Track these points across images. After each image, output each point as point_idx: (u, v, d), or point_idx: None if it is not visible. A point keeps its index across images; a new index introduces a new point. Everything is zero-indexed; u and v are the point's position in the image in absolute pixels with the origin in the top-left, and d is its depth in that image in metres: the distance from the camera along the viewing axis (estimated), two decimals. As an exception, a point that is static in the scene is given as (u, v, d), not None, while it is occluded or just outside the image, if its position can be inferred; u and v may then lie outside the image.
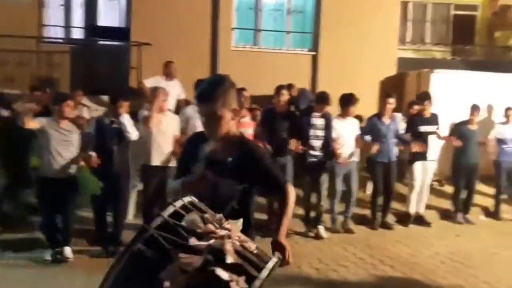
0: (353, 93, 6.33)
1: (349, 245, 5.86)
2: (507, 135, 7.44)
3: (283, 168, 5.82)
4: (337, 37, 9.12)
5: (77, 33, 9.53)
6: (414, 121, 6.93)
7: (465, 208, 7.26)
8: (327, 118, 6.21)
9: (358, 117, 6.92)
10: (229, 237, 1.79)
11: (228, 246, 1.75)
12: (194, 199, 1.94)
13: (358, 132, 6.53)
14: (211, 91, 2.18)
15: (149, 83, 6.83)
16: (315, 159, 6.15)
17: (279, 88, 6.27)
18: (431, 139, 6.89)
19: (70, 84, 8.17)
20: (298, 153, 6.19)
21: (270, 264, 1.82)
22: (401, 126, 7.09)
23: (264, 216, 6.05)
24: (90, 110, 7.03)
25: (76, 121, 5.26)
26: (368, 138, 6.51)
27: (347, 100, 6.29)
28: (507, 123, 7.51)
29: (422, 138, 6.74)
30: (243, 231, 1.93)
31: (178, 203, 1.86)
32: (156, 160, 5.43)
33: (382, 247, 5.86)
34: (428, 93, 7.21)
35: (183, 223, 1.78)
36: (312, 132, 6.13)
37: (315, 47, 9.50)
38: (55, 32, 9.32)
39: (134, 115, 5.48)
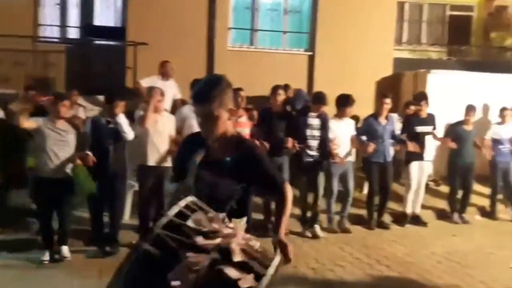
0: (350, 94, 6.34)
1: (345, 245, 5.86)
2: (503, 135, 7.46)
3: (280, 168, 5.83)
4: (334, 37, 9.13)
5: (73, 33, 9.50)
6: (411, 121, 6.95)
7: (461, 208, 7.28)
8: (324, 118, 6.22)
9: (355, 118, 6.93)
10: (234, 235, 1.80)
11: (234, 245, 1.76)
12: (196, 199, 1.94)
13: (354, 132, 6.55)
14: (207, 92, 2.18)
15: (145, 83, 6.80)
16: (311, 159, 6.15)
17: (275, 88, 6.27)
18: (428, 139, 6.92)
19: (66, 84, 8.14)
20: (294, 153, 6.20)
21: (275, 262, 1.84)
22: (397, 126, 7.10)
23: (260, 216, 6.05)
24: (86, 110, 7.01)
25: (72, 121, 5.24)
26: (364, 138, 6.52)
27: (344, 101, 6.30)
28: (502, 123, 7.54)
29: (419, 138, 6.75)
30: None
31: (182, 203, 1.86)
32: (152, 160, 5.42)
33: (379, 247, 5.86)
34: (424, 94, 7.22)
35: (189, 222, 1.78)
36: (308, 132, 6.13)
37: (311, 47, 9.50)
38: (51, 32, 9.27)
39: (130, 115, 5.46)
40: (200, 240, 1.74)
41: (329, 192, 6.40)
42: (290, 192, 2.34)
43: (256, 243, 1.88)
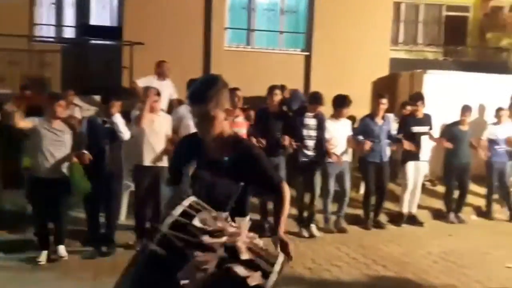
0: (347, 95, 6.34)
1: (342, 245, 5.86)
2: (499, 135, 7.48)
3: (276, 168, 5.83)
4: (330, 38, 9.14)
5: (69, 32, 9.47)
6: (407, 121, 6.96)
7: (457, 208, 7.30)
8: (320, 118, 6.22)
9: (351, 118, 6.94)
10: (239, 234, 1.81)
11: (240, 243, 1.78)
12: (197, 199, 1.95)
13: (351, 133, 6.55)
14: (203, 92, 2.17)
15: (141, 82, 6.78)
16: (308, 159, 6.15)
17: (272, 88, 6.28)
18: (424, 139, 6.93)
19: (62, 84, 8.11)
20: (291, 153, 6.20)
21: (280, 259, 1.87)
22: (394, 126, 7.12)
23: (257, 216, 6.04)
24: (82, 110, 6.98)
25: (68, 121, 5.22)
26: (361, 137, 6.52)
27: (341, 102, 6.30)
28: (498, 124, 7.56)
29: (415, 138, 6.76)
30: None
31: (186, 203, 1.87)
32: (148, 160, 5.40)
33: (375, 246, 5.87)
34: (421, 94, 7.24)
35: (195, 221, 1.79)
36: (305, 132, 6.13)
37: (308, 47, 9.51)
38: (47, 31, 9.24)
39: (126, 115, 5.44)
40: (206, 239, 1.74)
41: (326, 192, 6.40)
42: (287, 191, 2.36)
43: (259, 241, 1.90)
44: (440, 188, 7.82)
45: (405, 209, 6.95)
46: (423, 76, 8.59)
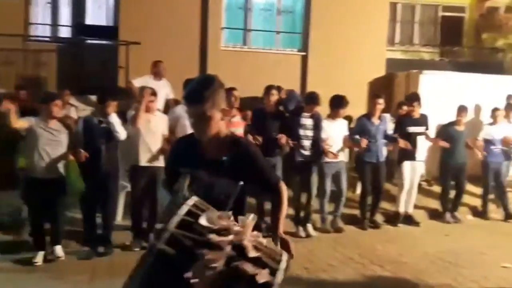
0: (344, 95, 6.35)
1: (338, 245, 5.87)
2: (494, 135, 7.51)
3: (273, 168, 5.82)
4: (327, 38, 9.14)
5: (65, 32, 9.43)
6: (403, 121, 6.98)
7: (453, 207, 7.32)
8: (317, 118, 6.23)
9: (348, 118, 6.94)
10: (244, 233, 1.83)
11: (247, 241, 1.80)
12: (199, 199, 1.95)
13: (347, 133, 6.56)
14: (199, 92, 2.16)
15: (137, 82, 6.76)
16: (304, 159, 6.15)
17: (268, 88, 6.27)
18: (420, 139, 6.94)
19: (57, 83, 8.07)
20: (287, 153, 6.20)
21: (284, 257, 1.90)
22: (390, 126, 7.13)
23: (253, 216, 6.03)
24: (78, 110, 6.95)
25: (64, 120, 5.19)
26: (357, 137, 6.53)
27: (338, 102, 6.31)
28: (494, 124, 7.58)
29: (411, 138, 6.77)
30: None
31: (190, 202, 1.88)
32: (145, 160, 5.38)
33: (372, 246, 5.87)
34: (417, 94, 7.26)
35: (202, 220, 1.80)
36: (302, 132, 6.13)
37: (304, 47, 9.50)
38: (42, 31, 9.20)
39: (123, 115, 5.42)
40: (214, 237, 1.76)
41: (322, 192, 6.41)
42: (285, 191, 2.38)
43: (263, 240, 1.92)
44: (437, 188, 7.84)
45: (401, 209, 6.97)
46: (419, 77, 8.61)
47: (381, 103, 6.62)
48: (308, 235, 6.16)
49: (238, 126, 5.90)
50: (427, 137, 7.11)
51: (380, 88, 8.62)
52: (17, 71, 8.04)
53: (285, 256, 1.92)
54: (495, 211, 7.62)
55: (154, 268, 1.74)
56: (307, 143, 6.16)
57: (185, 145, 2.38)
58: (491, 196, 7.67)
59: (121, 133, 5.19)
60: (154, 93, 5.52)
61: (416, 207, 7.25)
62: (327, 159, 6.26)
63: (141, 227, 5.51)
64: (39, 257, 4.92)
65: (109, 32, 8.95)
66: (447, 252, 5.70)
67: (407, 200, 7.01)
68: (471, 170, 7.51)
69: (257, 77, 7.80)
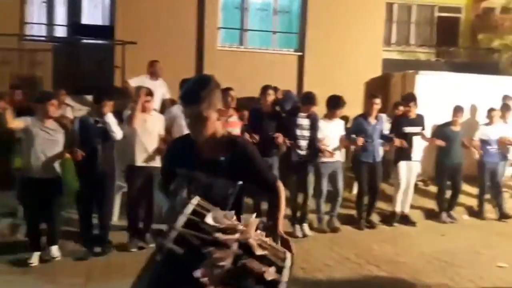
0: (341, 96, 6.35)
1: (335, 245, 5.87)
2: (490, 136, 7.53)
3: (270, 168, 5.81)
4: (323, 38, 9.15)
5: (60, 31, 9.39)
6: (399, 122, 6.98)
7: (449, 207, 7.34)
8: (313, 118, 6.23)
9: (344, 118, 6.95)
10: (248, 231, 1.85)
11: (252, 240, 1.82)
12: (201, 199, 1.96)
13: (344, 132, 6.56)
14: (196, 93, 2.15)
15: (133, 82, 6.74)
16: (300, 159, 6.15)
17: (265, 88, 6.27)
18: (416, 139, 6.95)
19: (53, 83, 8.03)
20: (284, 153, 6.19)
21: (288, 255, 1.93)
22: (386, 126, 7.14)
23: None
24: (74, 109, 6.93)
25: (60, 120, 5.17)
26: (353, 136, 6.53)
27: (335, 103, 6.31)
28: (490, 124, 7.60)
29: (407, 139, 6.78)
30: None
31: (194, 201, 1.89)
32: (141, 160, 5.37)
33: (368, 246, 5.88)
34: (413, 94, 7.27)
35: (208, 219, 1.81)
36: (298, 132, 6.13)
37: (301, 47, 9.51)
38: (38, 30, 9.16)
39: (119, 115, 5.40)
40: (220, 236, 1.77)
41: (319, 192, 6.40)
42: (283, 190, 2.39)
43: (267, 238, 1.95)
44: (433, 188, 7.86)
45: (397, 209, 6.97)
46: (415, 77, 8.63)
47: (378, 103, 6.62)
48: (304, 235, 6.16)
49: (235, 126, 5.90)
50: (423, 136, 7.12)
51: (377, 88, 8.63)
52: (13, 70, 7.99)
53: (289, 254, 1.95)
54: (491, 211, 7.64)
55: (164, 267, 1.74)
56: (303, 143, 6.16)
57: (181, 145, 2.37)
58: (487, 196, 7.69)
59: (117, 133, 5.17)
60: (150, 93, 5.50)
61: (412, 207, 7.26)
62: (323, 159, 6.27)
63: (138, 227, 5.49)
64: (35, 258, 4.89)
65: (105, 31, 8.92)
66: (444, 252, 5.71)
67: (404, 200, 7.02)
68: (467, 170, 7.53)
69: (254, 77, 7.80)
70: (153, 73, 6.98)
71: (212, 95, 2.17)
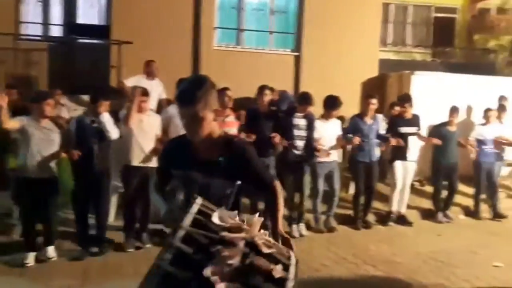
0: (338, 96, 6.36)
1: (331, 245, 5.87)
2: (486, 136, 7.55)
3: (267, 169, 5.80)
4: (320, 38, 9.15)
5: (56, 31, 9.34)
6: (395, 122, 7.00)
7: (445, 206, 7.36)
8: (310, 118, 6.23)
9: (341, 118, 6.95)
10: (252, 230, 1.86)
11: (257, 238, 1.83)
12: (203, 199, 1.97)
13: (340, 132, 6.57)
14: (191, 93, 2.14)
15: (130, 82, 6.73)
16: (297, 159, 6.15)
17: (262, 88, 6.26)
18: (412, 140, 6.97)
19: (48, 83, 7.99)
20: (280, 153, 6.19)
21: (292, 253, 1.97)
22: (382, 126, 7.15)
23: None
24: (69, 109, 6.89)
25: (56, 120, 5.15)
26: (349, 135, 6.54)
27: (332, 103, 6.32)
28: (486, 124, 7.63)
29: (403, 139, 6.80)
30: None
31: (199, 201, 1.90)
32: (137, 160, 5.35)
33: (365, 246, 5.88)
34: (408, 95, 7.30)
35: (214, 218, 1.82)
36: (295, 132, 6.13)
37: (297, 47, 9.51)
38: (33, 29, 9.11)
39: (115, 115, 5.39)
40: (227, 234, 1.78)
41: (315, 192, 6.41)
42: (280, 189, 2.38)
43: (269, 237, 1.97)
44: (429, 188, 7.88)
45: (394, 208, 6.99)
46: (411, 77, 8.65)
47: (374, 103, 6.64)
48: (301, 235, 6.16)
49: (232, 126, 5.89)
50: (420, 136, 7.14)
51: (373, 89, 8.64)
52: (8, 70, 7.94)
53: (292, 252, 1.98)
54: (487, 211, 7.67)
55: (172, 266, 1.73)
56: (300, 143, 6.16)
57: (177, 146, 2.36)
58: (483, 196, 7.71)
59: (113, 132, 5.16)
60: (146, 93, 5.48)
61: (408, 207, 7.28)
62: (320, 159, 6.27)
63: (134, 227, 5.47)
64: (31, 258, 4.86)
65: (101, 31, 8.88)
66: (440, 251, 5.73)
67: (400, 200, 7.04)
68: (463, 170, 7.55)
69: (250, 77, 7.78)
70: (150, 73, 6.97)
71: (208, 95, 2.16)
